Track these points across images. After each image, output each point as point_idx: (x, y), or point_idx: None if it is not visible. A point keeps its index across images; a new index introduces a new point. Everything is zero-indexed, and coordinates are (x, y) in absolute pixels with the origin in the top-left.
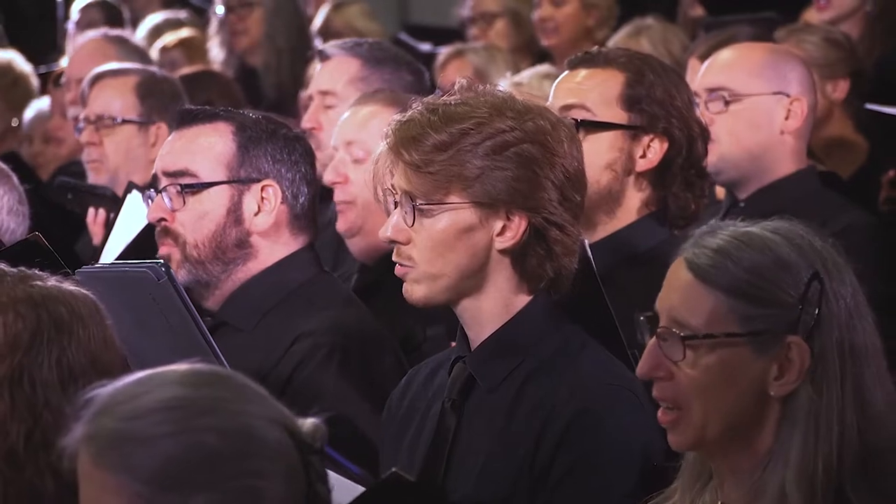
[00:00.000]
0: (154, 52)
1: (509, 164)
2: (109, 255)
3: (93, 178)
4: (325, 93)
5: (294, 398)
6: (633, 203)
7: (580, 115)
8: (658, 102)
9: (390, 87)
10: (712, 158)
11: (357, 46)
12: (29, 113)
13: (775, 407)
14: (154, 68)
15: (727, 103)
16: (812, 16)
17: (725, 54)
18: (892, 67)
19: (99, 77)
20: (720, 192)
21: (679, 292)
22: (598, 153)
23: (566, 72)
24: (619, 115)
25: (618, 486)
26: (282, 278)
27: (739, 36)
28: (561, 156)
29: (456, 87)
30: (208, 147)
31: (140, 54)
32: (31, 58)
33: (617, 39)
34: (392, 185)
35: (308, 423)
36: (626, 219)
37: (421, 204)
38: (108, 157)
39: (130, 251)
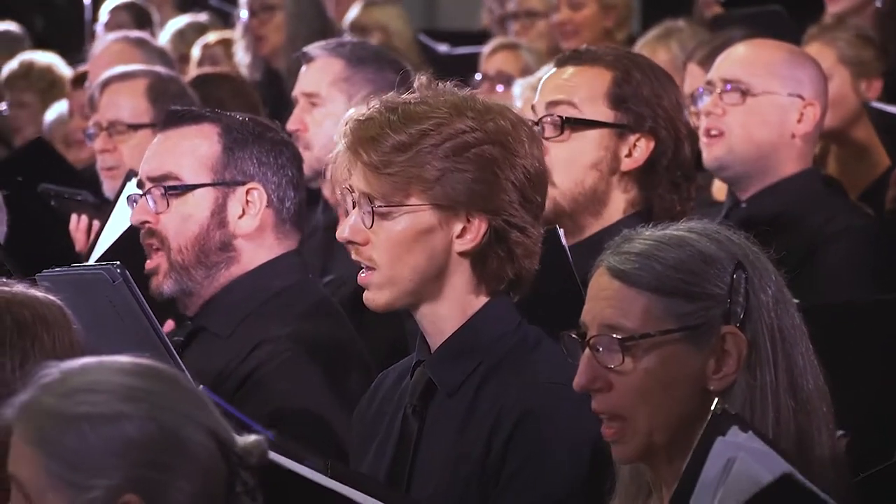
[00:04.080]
0: (195, 50)
1: (469, 165)
2: (102, 245)
3: (108, 186)
4: (309, 94)
5: (246, 396)
6: (618, 203)
7: (566, 111)
8: (645, 102)
9: (374, 87)
10: (719, 151)
11: (340, 47)
12: (50, 116)
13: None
14: (160, 68)
15: (744, 95)
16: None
17: (744, 48)
18: None
19: (108, 82)
20: (719, 193)
21: (608, 301)
22: (583, 152)
23: (553, 69)
24: (605, 114)
25: (562, 488)
26: (263, 283)
27: (734, 39)
28: (522, 156)
29: (415, 85)
30: (193, 149)
31: (162, 56)
32: (66, 61)
33: (646, 41)
34: (350, 185)
35: (248, 438)
36: (611, 219)
37: (380, 206)
38: (125, 164)
39: (112, 251)
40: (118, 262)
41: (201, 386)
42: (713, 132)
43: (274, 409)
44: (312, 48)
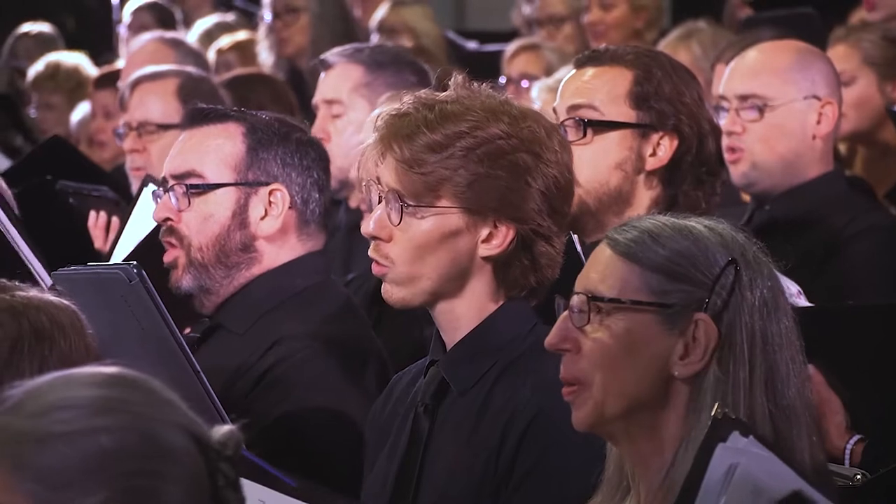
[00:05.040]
0: (210, 54)
1: (503, 172)
2: (122, 249)
3: (137, 186)
4: (330, 102)
5: (264, 393)
6: (643, 202)
7: (588, 114)
8: (667, 100)
9: (394, 91)
10: (744, 168)
11: (358, 52)
12: (76, 116)
13: (683, 391)
14: (191, 68)
15: (761, 111)
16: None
17: (752, 57)
18: None
19: (138, 82)
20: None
21: (597, 267)
22: (606, 153)
23: (573, 71)
24: (627, 114)
25: (574, 488)
26: (283, 282)
27: (762, 40)
28: (552, 165)
29: (451, 83)
30: (217, 148)
31: (196, 57)
32: (97, 61)
33: (667, 42)
34: (377, 178)
35: (221, 430)
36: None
37: (409, 204)
38: (153, 164)
39: (139, 250)
40: (135, 262)
41: None
42: (735, 150)
43: (290, 405)
44: (330, 55)
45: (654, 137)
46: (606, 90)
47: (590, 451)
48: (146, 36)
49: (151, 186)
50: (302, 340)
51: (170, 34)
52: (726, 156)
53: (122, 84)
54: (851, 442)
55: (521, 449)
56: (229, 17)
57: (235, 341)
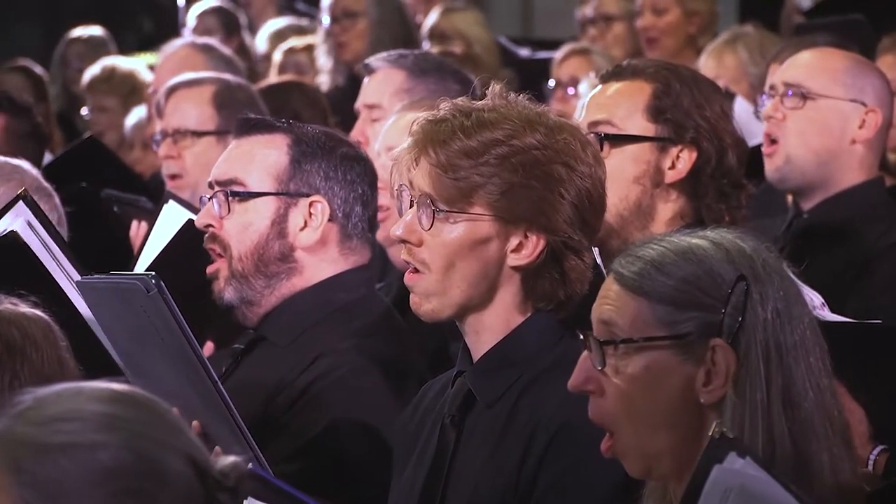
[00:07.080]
0: (277, 55)
1: (537, 182)
2: (143, 264)
3: None
4: (371, 106)
5: (304, 408)
6: (664, 215)
7: (606, 130)
8: (685, 112)
9: (436, 98)
10: (778, 162)
11: (402, 58)
12: (131, 120)
13: (712, 418)
14: (228, 76)
15: (804, 99)
16: None
17: (808, 54)
18: None
19: (174, 88)
20: None
21: (607, 302)
22: (624, 167)
23: (599, 86)
24: (645, 127)
25: (598, 501)
26: (326, 297)
27: (818, 44)
28: (587, 178)
29: (489, 93)
30: (261, 158)
31: (229, 63)
32: None
33: (714, 46)
34: (410, 182)
35: (225, 460)
36: (659, 231)
37: (441, 209)
38: (188, 171)
39: (167, 254)
40: (154, 273)
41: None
42: (771, 138)
43: (329, 422)
44: (374, 60)
45: (673, 151)
46: (626, 105)
47: (612, 465)
48: (177, 42)
49: (172, 203)
50: (344, 356)
51: (202, 40)
52: (764, 148)
53: (157, 90)
54: (875, 452)
55: (543, 463)
56: (292, 20)
57: (278, 354)
